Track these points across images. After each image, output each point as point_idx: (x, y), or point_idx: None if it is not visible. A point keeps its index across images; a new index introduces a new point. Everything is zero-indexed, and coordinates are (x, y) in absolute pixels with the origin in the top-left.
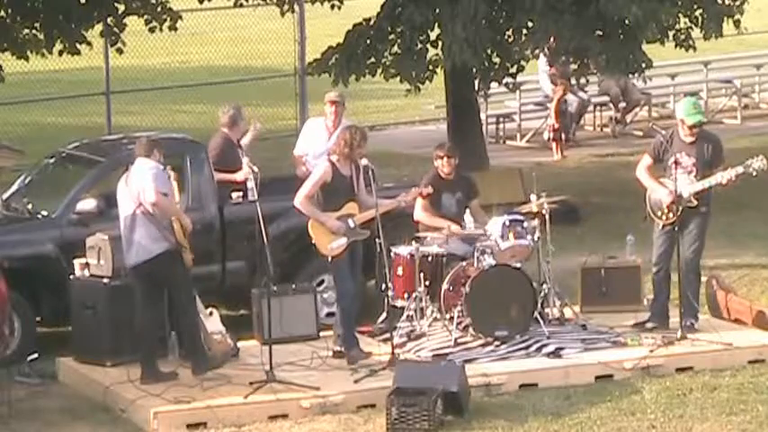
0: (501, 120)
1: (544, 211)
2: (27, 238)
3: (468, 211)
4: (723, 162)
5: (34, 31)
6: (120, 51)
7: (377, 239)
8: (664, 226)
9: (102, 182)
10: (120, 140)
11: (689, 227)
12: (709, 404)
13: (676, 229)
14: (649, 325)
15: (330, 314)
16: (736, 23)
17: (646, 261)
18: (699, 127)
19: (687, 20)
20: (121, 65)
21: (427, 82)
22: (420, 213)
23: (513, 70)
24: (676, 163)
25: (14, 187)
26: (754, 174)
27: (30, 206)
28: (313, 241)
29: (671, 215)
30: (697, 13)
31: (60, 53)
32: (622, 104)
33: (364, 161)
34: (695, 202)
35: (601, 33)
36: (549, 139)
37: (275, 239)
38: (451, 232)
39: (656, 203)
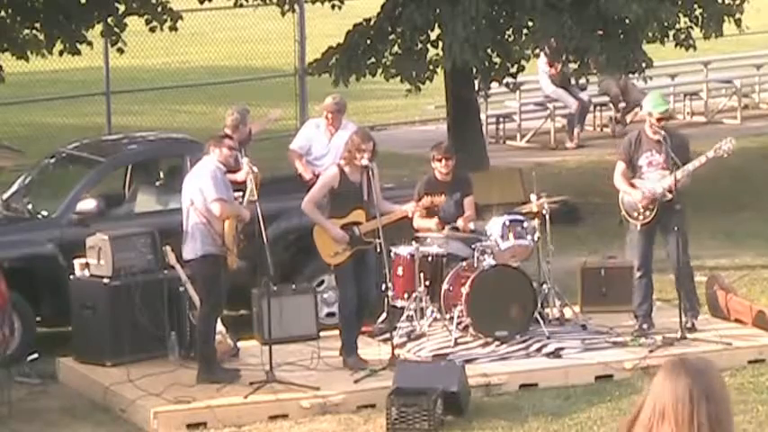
0: (501, 120)
1: (544, 211)
2: (27, 238)
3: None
4: (690, 158)
5: (34, 31)
6: (120, 51)
7: (377, 239)
8: (641, 226)
9: (102, 182)
10: (120, 140)
11: (669, 227)
12: None
13: (656, 229)
14: (645, 326)
15: (330, 314)
16: (737, 23)
17: None
18: (666, 119)
19: (687, 19)
20: (121, 65)
21: (427, 82)
22: (418, 220)
23: (514, 70)
24: (649, 163)
25: (14, 187)
26: (725, 155)
27: (30, 206)
28: (316, 247)
29: (647, 214)
30: (697, 12)
31: (60, 53)
32: (622, 104)
33: (364, 161)
34: (670, 196)
35: (601, 33)
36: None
37: (275, 239)
38: (442, 226)
39: (630, 205)
